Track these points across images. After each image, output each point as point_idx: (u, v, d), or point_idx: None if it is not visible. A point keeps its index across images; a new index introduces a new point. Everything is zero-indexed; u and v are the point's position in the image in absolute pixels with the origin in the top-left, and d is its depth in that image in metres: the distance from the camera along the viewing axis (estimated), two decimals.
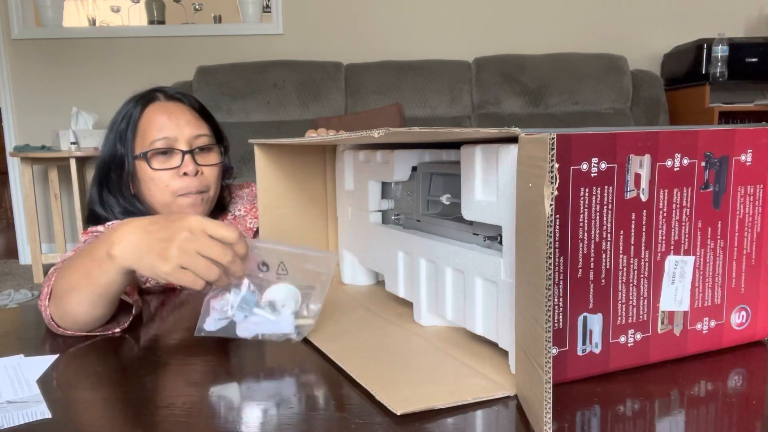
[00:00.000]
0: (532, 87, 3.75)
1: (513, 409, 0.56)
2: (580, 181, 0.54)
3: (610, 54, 3.81)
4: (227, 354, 0.74)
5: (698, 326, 0.64)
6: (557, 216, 0.54)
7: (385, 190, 0.93)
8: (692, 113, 3.69)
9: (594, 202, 0.56)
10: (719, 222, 0.64)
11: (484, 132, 0.52)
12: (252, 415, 0.56)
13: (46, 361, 0.72)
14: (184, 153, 1.07)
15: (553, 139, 0.45)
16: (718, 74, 3.54)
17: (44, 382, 0.65)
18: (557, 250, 0.55)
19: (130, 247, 0.70)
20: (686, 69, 3.72)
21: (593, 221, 0.56)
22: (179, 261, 0.67)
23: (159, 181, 1.07)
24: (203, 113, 1.15)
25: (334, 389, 0.62)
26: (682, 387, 0.59)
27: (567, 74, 3.75)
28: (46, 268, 3.54)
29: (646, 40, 4.01)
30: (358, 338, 0.76)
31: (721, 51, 3.52)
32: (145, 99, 1.11)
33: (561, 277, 0.56)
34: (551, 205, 0.45)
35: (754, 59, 3.53)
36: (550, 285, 0.46)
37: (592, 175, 0.55)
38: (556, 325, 0.57)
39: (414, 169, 0.84)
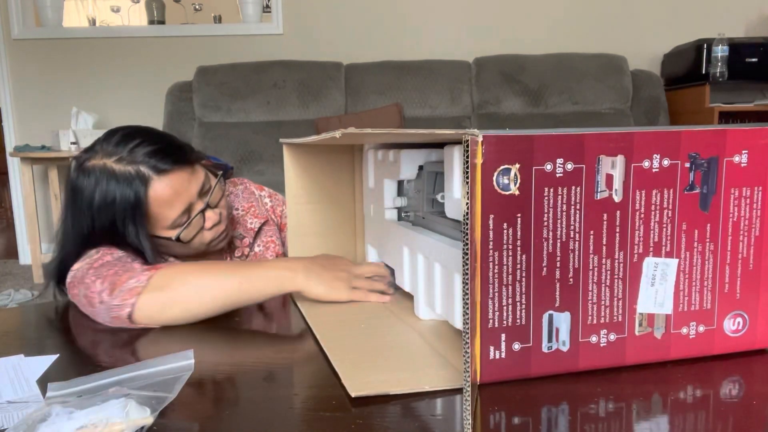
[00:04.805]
0: (532, 87, 3.74)
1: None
2: (544, 182, 0.55)
3: (610, 54, 3.80)
4: (225, 349, 0.76)
5: (684, 330, 0.63)
6: (519, 215, 0.54)
7: (401, 188, 0.96)
8: (692, 113, 3.68)
9: (560, 202, 0.56)
10: (708, 224, 0.62)
11: (440, 133, 0.52)
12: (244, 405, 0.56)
13: (46, 361, 0.72)
14: (203, 211, 1.05)
15: (467, 141, 0.46)
16: (718, 74, 3.53)
17: (44, 382, 0.65)
18: (519, 248, 0.56)
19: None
20: (686, 69, 3.72)
21: (559, 221, 0.56)
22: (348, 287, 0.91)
23: (194, 243, 1.06)
24: (184, 154, 1.05)
25: (311, 366, 0.65)
26: (664, 390, 0.59)
27: (567, 74, 3.74)
28: (46, 269, 3.54)
29: (646, 40, 4.01)
30: (353, 326, 0.80)
31: (721, 51, 3.51)
32: (139, 180, 0.98)
33: (523, 275, 0.57)
34: (467, 203, 0.47)
35: (754, 59, 3.52)
36: (467, 279, 0.50)
37: (557, 175, 0.55)
38: (518, 321, 0.58)
39: (421, 168, 0.87)
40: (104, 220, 0.98)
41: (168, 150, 1.02)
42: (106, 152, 1.00)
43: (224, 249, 1.18)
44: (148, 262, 0.97)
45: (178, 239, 1.03)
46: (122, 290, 0.84)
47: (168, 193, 1.00)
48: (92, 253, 0.96)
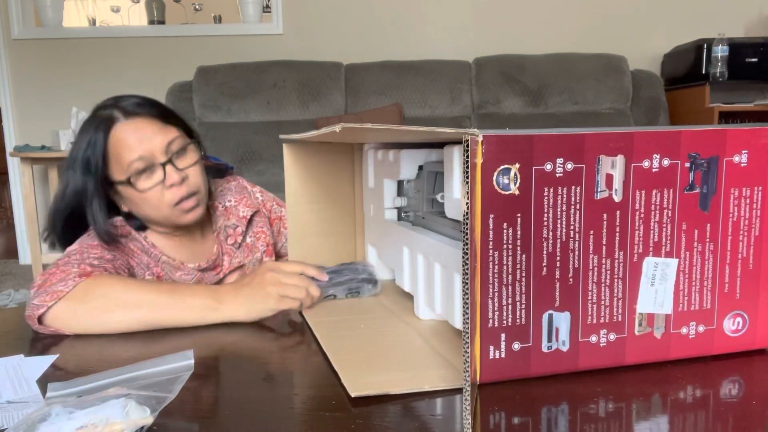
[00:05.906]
0: (532, 87, 3.74)
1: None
2: (544, 181, 0.55)
3: (610, 54, 3.80)
4: (225, 350, 0.75)
5: (683, 330, 0.63)
6: (519, 215, 0.55)
7: (401, 188, 0.97)
8: (692, 113, 3.68)
9: (560, 201, 0.56)
10: (708, 224, 0.62)
11: (440, 132, 0.52)
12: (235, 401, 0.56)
13: (46, 361, 0.72)
14: (163, 165, 1.04)
15: (467, 141, 0.47)
16: (718, 74, 3.53)
17: (44, 382, 0.65)
18: (519, 248, 0.56)
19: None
20: (686, 69, 3.71)
21: (559, 221, 0.56)
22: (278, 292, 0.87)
23: (151, 198, 1.05)
24: (167, 116, 1.09)
25: (311, 366, 0.65)
26: (664, 390, 0.59)
27: (567, 74, 3.74)
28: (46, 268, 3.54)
29: (646, 40, 4.00)
30: (353, 326, 0.81)
31: (721, 51, 3.51)
32: (104, 123, 1.04)
33: (523, 275, 0.57)
34: (467, 203, 0.47)
35: (754, 59, 3.52)
36: (467, 279, 0.50)
37: (557, 175, 0.55)
38: (518, 321, 0.58)
39: (421, 168, 0.87)
40: (80, 172, 1.04)
41: (153, 104, 1.07)
42: (101, 104, 1.07)
43: (205, 222, 1.20)
44: (113, 260, 1.00)
45: (128, 181, 1.03)
46: (47, 291, 0.85)
47: (129, 135, 1.03)
48: (73, 247, 1.01)
